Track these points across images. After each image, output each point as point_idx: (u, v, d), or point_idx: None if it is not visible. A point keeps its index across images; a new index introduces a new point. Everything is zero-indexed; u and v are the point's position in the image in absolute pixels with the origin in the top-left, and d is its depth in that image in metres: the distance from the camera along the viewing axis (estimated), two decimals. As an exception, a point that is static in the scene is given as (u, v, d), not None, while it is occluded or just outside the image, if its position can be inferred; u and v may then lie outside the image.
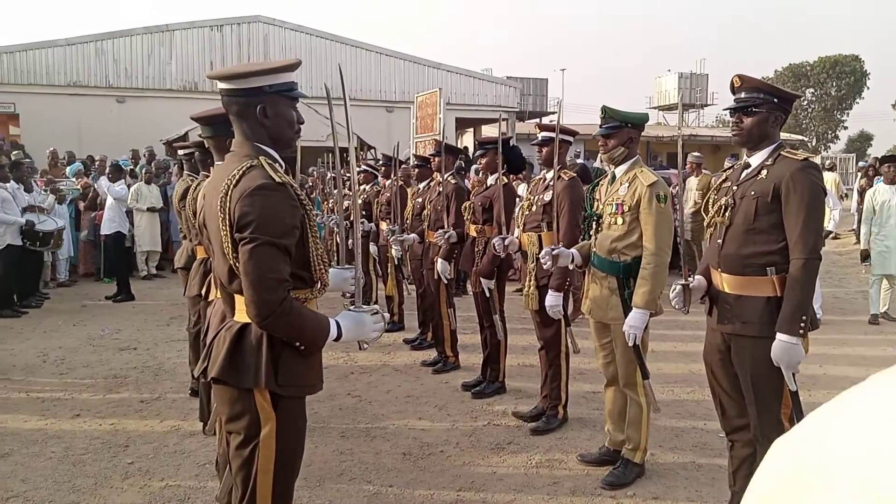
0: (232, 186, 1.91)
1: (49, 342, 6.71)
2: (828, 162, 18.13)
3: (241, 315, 2.02)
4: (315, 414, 4.64)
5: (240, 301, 2.02)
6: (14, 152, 12.16)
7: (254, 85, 1.99)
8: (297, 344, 1.99)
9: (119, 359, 6.15)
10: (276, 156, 2.06)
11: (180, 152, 4.72)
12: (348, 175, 8.62)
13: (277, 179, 1.93)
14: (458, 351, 5.85)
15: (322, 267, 2.10)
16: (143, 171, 11.01)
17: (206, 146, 3.55)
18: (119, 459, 3.98)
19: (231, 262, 1.95)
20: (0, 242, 7.92)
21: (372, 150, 15.57)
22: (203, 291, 3.95)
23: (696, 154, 10.14)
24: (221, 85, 2.01)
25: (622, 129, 3.48)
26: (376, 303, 7.70)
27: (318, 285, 2.13)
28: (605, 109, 3.54)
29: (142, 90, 18.80)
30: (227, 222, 1.92)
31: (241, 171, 1.93)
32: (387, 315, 2.30)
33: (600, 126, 3.55)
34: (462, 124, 24.72)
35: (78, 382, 5.45)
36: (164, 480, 3.72)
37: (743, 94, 2.83)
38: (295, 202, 1.96)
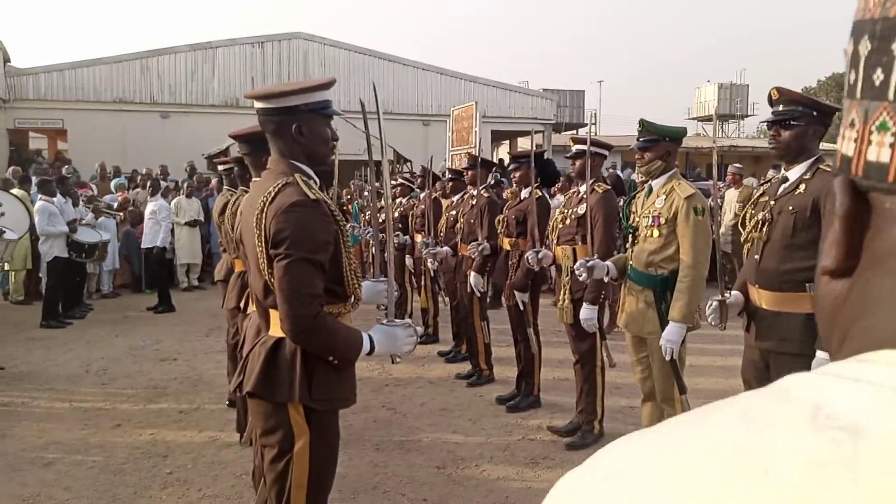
0: (268, 203, 1.95)
1: (92, 353, 6.87)
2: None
3: (276, 329, 2.05)
4: (349, 426, 4.67)
5: (274, 316, 2.05)
6: (65, 167, 12.55)
7: (289, 104, 2.03)
8: (331, 358, 2.01)
9: (159, 369, 6.27)
10: (311, 172, 2.10)
11: (220, 167, 4.83)
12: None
13: (312, 196, 1.96)
14: (493, 364, 5.83)
15: (355, 281, 2.12)
16: (186, 185, 11.25)
17: (245, 162, 3.62)
18: (158, 469, 4.06)
19: (266, 277, 1.98)
20: (48, 255, 8.16)
21: (408, 164, 15.68)
22: (241, 304, 4.02)
23: (736, 165, 9.99)
24: (258, 104, 2.06)
25: (660, 142, 3.45)
26: (411, 315, 7.78)
27: (352, 300, 2.15)
28: (642, 122, 3.52)
29: (185, 106, 19.21)
30: (263, 238, 1.95)
31: (276, 189, 1.97)
32: (419, 328, 2.31)
33: (637, 139, 3.53)
34: (498, 137, 24.74)
35: (119, 393, 5.57)
36: (202, 491, 3.77)
37: (781, 107, 2.79)
38: (329, 218, 1.99)
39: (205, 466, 4.09)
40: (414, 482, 3.85)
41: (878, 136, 0.40)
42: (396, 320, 2.25)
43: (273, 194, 1.96)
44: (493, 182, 9.26)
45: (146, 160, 14.88)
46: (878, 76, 0.40)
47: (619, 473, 0.39)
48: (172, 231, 10.23)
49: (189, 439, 4.54)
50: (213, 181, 11.62)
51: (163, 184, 11.14)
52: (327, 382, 2.04)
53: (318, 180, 2.10)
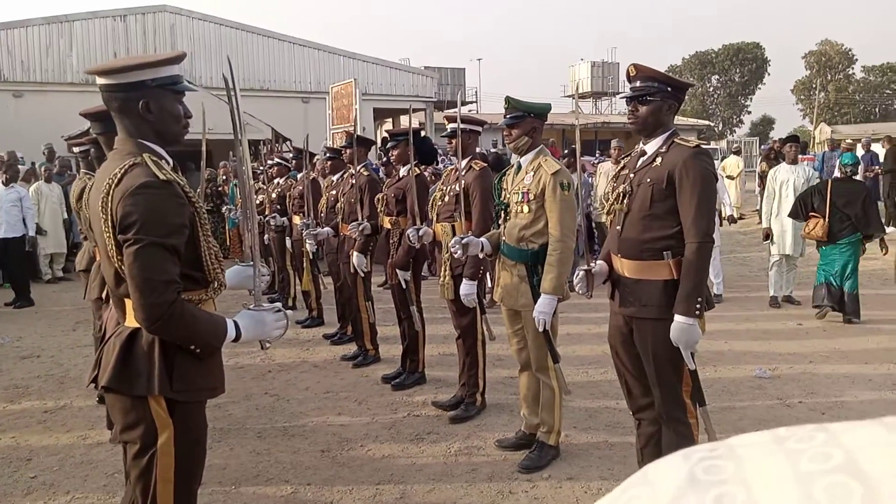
0: (113, 186, 1.84)
1: (-58, 354, 6.31)
2: (734, 146, 18.95)
3: (132, 320, 1.94)
4: (230, 416, 4.54)
5: (129, 305, 1.94)
6: None
7: (135, 79, 1.91)
8: (192, 347, 1.93)
9: (20, 368, 5.84)
10: (163, 152, 1.99)
11: (75, 149, 4.50)
12: (261, 168, 8.34)
13: (162, 177, 1.86)
14: (378, 343, 5.82)
15: (217, 266, 2.04)
16: (43, 169, 10.48)
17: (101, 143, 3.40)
18: (20, 474, 3.79)
19: (116, 265, 1.87)
20: None
21: (288, 142, 15.29)
22: (104, 294, 3.80)
23: (618, 139, 10.41)
24: (100, 80, 1.92)
25: (525, 118, 3.53)
26: (295, 298, 7.62)
27: (215, 285, 2.07)
28: (508, 100, 3.58)
29: (41, 84, 17.85)
30: (110, 223, 1.84)
31: (122, 170, 1.85)
32: (290, 312, 2.25)
33: (504, 116, 3.58)
34: (380, 114, 24.60)
35: (-26, 395, 5.15)
36: (70, 493, 3.56)
37: (638, 83, 2.90)
38: (182, 200, 1.90)
39: (73, 467, 3.86)
40: (298, 468, 3.80)
41: None
42: (265, 304, 2.19)
43: (119, 176, 1.84)
44: (384, 160, 9.18)
45: (-1, 143, 13.72)
46: None
47: None
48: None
49: (55, 440, 4.26)
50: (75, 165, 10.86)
51: (21, 168, 10.30)
52: (190, 372, 1.95)
53: (170, 160, 1.99)
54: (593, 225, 9.37)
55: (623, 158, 3.14)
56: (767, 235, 7.58)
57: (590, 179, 9.90)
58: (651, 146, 2.90)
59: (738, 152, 16.42)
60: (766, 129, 51.52)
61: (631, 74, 2.93)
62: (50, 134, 13.96)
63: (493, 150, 13.41)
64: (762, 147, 21.63)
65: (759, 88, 52.39)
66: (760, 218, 8.18)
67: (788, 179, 7.45)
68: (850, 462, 0.29)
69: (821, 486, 0.29)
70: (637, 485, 0.36)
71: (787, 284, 7.62)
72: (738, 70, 51.13)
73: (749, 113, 54.38)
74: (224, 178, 11.11)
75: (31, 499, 3.52)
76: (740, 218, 13.13)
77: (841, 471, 0.29)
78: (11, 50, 17.70)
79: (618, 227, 2.92)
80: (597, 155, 18.04)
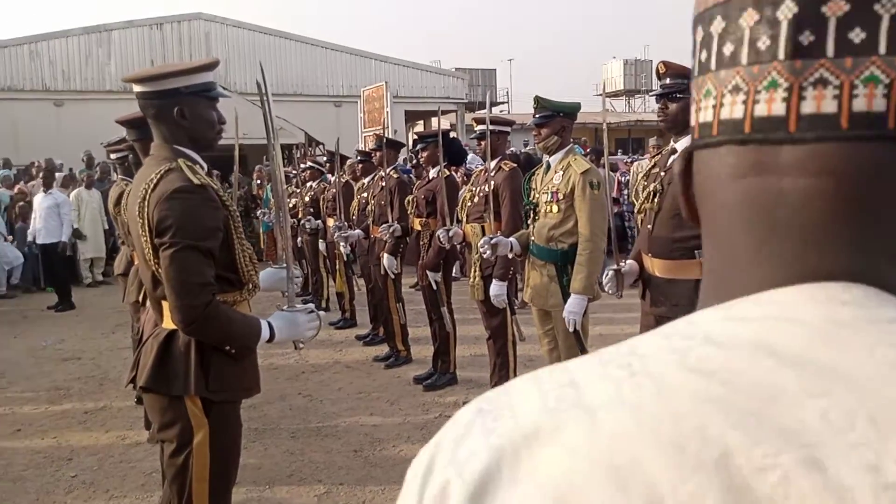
0: (150, 191, 1.89)
1: (-12, 356, 6.50)
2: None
3: (169, 321, 1.99)
4: (264, 416, 4.61)
5: (167, 307, 1.99)
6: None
7: (169, 87, 1.95)
8: (227, 348, 1.97)
9: (62, 370, 5.99)
10: (197, 157, 2.03)
11: (113, 156, 4.62)
12: (294, 172, 8.44)
13: (196, 182, 1.90)
14: (410, 344, 5.85)
15: (251, 268, 2.08)
16: (84, 175, 10.74)
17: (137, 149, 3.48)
18: (62, 473, 3.89)
19: (153, 268, 1.92)
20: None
21: (321, 146, 15.43)
22: (142, 297, 3.88)
23: (656, 137, 10.32)
24: (136, 88, 1.97)
25: (554, 118, 3.52)
26: (328, 300, 7.70)
27: (249, 286, 2.11)
28: (537, 99, 3.58)
29: (81, 92, 18.23)
30: (147, 227, 1.89)
31: (158, 175, 1.90)
32: (322, 313, 2.29)
33: (533, 116, 3.58)
34: (412, 117, 24.64)
35: (19, 396, 5.29)
36: (109, 492, 3.65)
37: (668, 80, 2.88)
38: (216, 204, 1.94)
39: (112, 467, 3.96)
40: (331, 467, 3.84)
41: (731, 97, 0.43)
42: (298, 305, 2.23)
43: (155, 181, 1.89)
44: (415, 162, 9.25)
45: (41, 151, 14.08)
46: (729, 48, 0.43)
47: None
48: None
49: (95, 440, 4.37)
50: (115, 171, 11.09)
51: (58, 175, 10.57)
52: (225, 373, 1.99)
53: (204, 165, 2.04)
54: (625, 224, 9.30)
55: (654, 157, 3.12)
56: None
57: (622, 178, 9.81)
58: (682, 143, 2.87)
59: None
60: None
61: (661, 72, 2.91)
62: (90, 141, 14.27)
63: (524, 149, 13.38)
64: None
65: (795, 84, 51.38)
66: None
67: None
68: (571, 381, 0.42)
69: (552, 395, 0.41)
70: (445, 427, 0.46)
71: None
72: (773, 66, 50.23)
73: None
74: (258, 182, 11.29)
75: (71, 497, 3.61)
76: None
77: (566, 386, 0.41)
78: (53, 60, 18.12)
79: (648, 226, 2.90)
80: (618, 153, 17.84)
